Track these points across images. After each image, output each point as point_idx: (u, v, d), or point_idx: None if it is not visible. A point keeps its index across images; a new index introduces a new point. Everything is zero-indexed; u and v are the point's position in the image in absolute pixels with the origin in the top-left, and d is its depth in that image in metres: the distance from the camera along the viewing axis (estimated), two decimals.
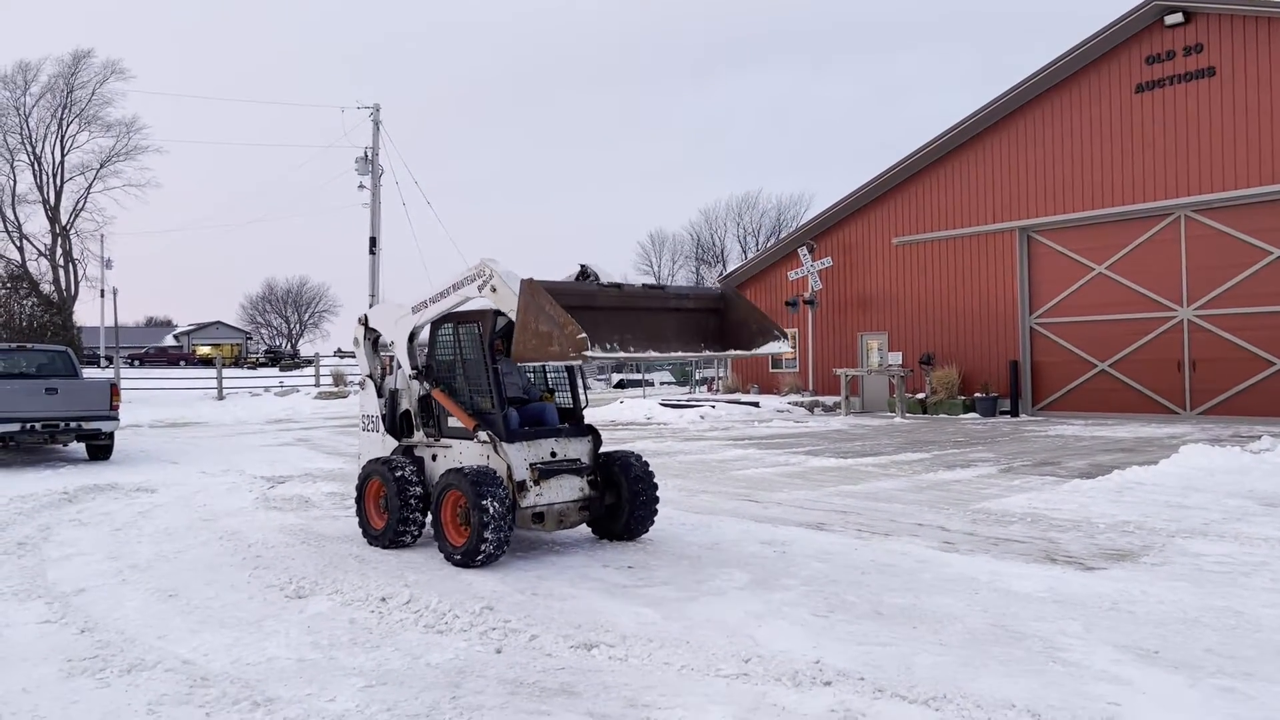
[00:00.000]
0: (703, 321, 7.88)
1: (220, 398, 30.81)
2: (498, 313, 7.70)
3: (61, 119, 47.99)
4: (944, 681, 4.69)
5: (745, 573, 7.07)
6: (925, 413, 24.51)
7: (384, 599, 6.35)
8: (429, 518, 8.10)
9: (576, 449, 8.02)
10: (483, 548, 7.09)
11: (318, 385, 34.28)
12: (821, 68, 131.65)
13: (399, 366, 8.81)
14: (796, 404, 26.26)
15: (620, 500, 8.13)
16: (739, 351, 7.74)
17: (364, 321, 9.12)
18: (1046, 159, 23.13)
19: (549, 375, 8.75)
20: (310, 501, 10.92)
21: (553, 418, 8.22)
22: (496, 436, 7.55)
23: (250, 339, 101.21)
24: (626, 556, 7.72)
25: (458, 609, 6.04)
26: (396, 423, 8.72)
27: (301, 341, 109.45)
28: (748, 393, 29.64)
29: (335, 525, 9.34)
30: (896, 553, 7.76)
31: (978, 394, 23.91)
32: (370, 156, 36.57)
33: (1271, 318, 19.56)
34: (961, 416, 23.54)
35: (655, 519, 8.39)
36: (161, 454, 16.45)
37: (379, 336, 9.17)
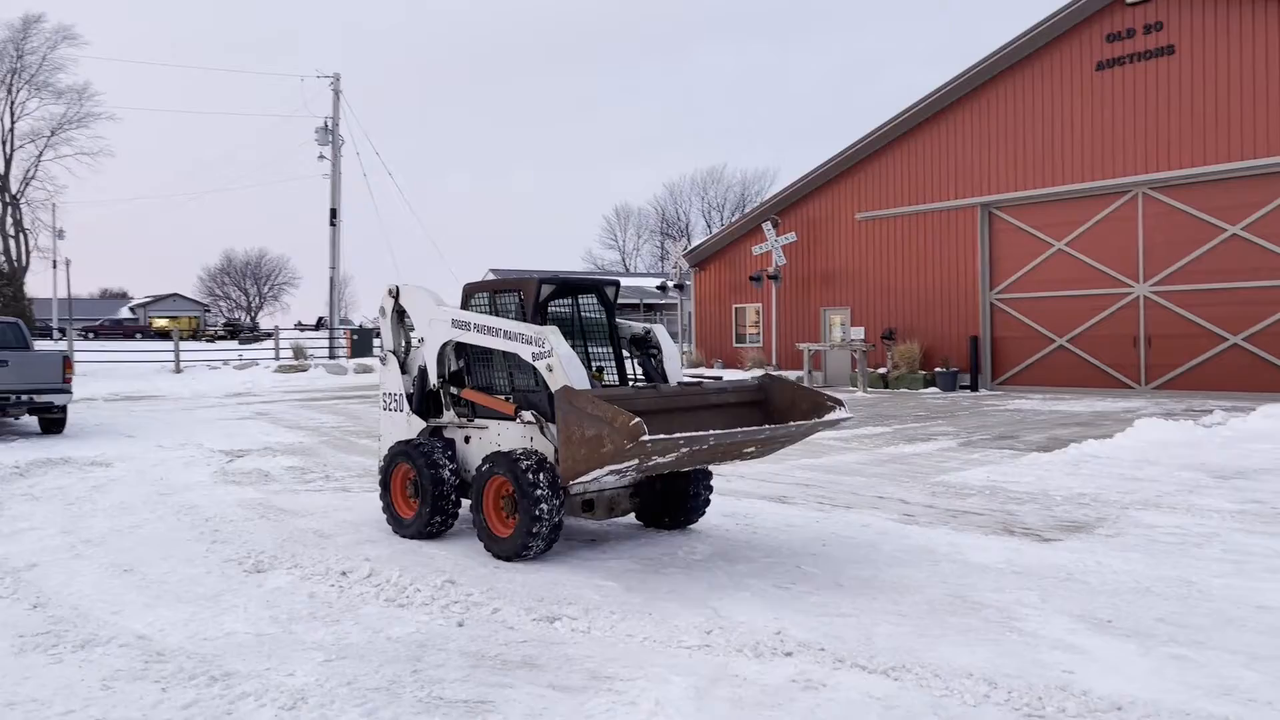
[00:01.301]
0: (745, 414, 7.28)
1: (178, 371, 30.33)
2: (542, 281, 7.30)
3: (11, 85, 46.76)
4: (903, 651, 4.74)
5: (708, 545, 7.10)
6: (886, 387, 24.71)
7: (344, 573, 6.30)
8: (464, 505, 7.53)
9: None
10: (531, 542, 6.48)
11: (278, 359, 33.85)
12: (789, 42, 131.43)
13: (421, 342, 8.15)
14: None
15: (674, 486, 7.61)
16: (802, 422, 6.83)
17: (394, 294, 8.19)
18: (1008, 136, 23.28)
19: (588, 350, 7.79)
20: (270, 476, 10.79)
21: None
22: (542, 416, 6.86)
23: (208, 311, 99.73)
24: (589, 530, 7.72)
25: (419, 583, 6.01)
26: (425, 402, 7.91)
27: (261, 314, 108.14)
28: (711, 367, 29.72)
29: (295, 500, 9.25)
30: (857, 525, 7.83)
31: (938, 369, 24.14)
32: (330, 126, 36.04)
33: (1225, 294, 19.90)
34: (922, 391, 23.77)
35: (708, 509, 7.90)
36: (117, 427, 16.18)
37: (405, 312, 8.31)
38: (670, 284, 35.59)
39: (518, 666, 4.62)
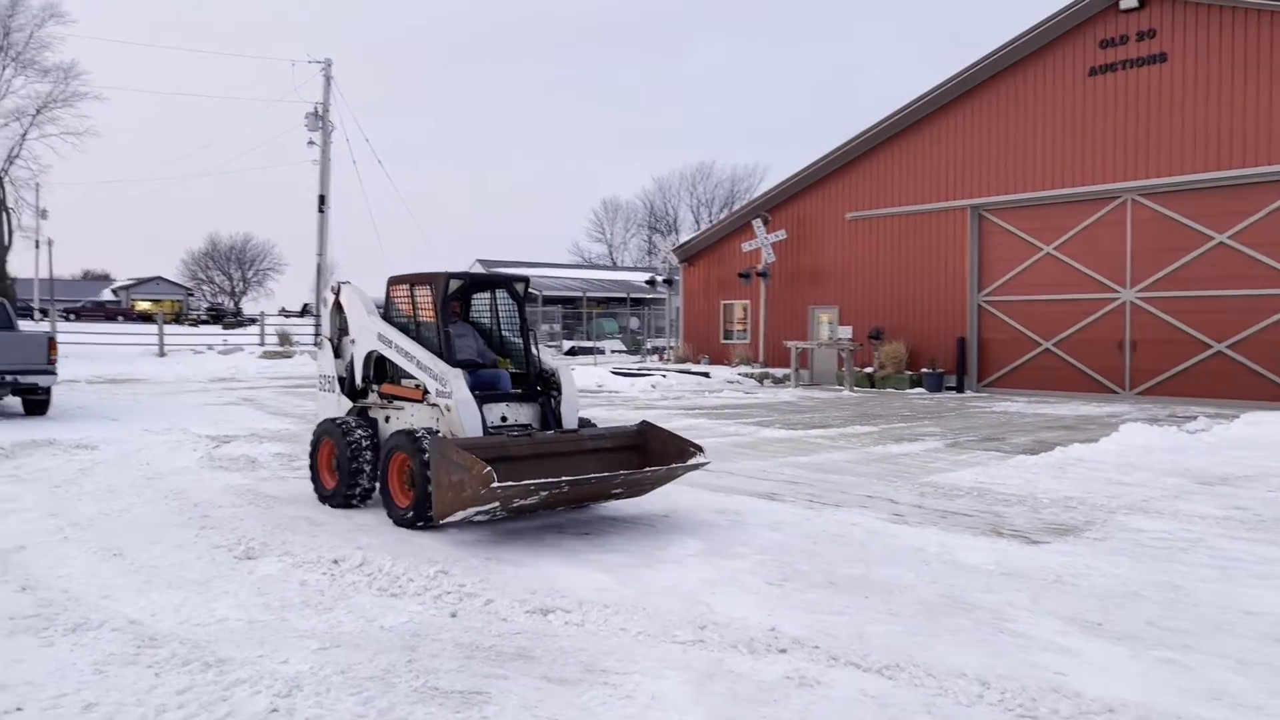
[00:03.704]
0: (623, 458, 7.89)
1: (161, 354, 30.12)
2: (450, 275, 7.99)
3: None
4: (896, 650, 4.76)
5: (700, 541, 7.11)
6: (873, 386, 24.80)
7: (336, 561, 6.28)
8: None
9: (528, 414, 8.08)
10: (426, 513, 7.06)
11: (262, 344, 33.68)
12: (781, 40, 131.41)
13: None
14: (746, 375, 26.41)
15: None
16: (658, 468, 7.58)
17: (336, 292, 9.05)
18: (1000, 139, 23.38)
19: (503, 338, 8.75)
20: (257, 462, 10.75)
21: (506, 384, 8.22)
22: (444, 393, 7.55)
23: (192, 295, 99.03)
24: (582, 524, 7.72)
25: (412, 572, 6.00)
26: (355, 384, 8.73)
27: (245, 299, 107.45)
28: (698, 363, 29.73)
29: (284, 486, 9.22)
30: (847, 524, 7.86)
31: (925, 369, 24.24)
32: (321, 112, 35.81)
33: (1210, 301, 20.06)
34: (908, 391, 23.87)
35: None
36: (101, 410, 16.07)
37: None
38: (659, 279, 35.63)
39: (512, 658, 4.62)
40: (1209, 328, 20.07)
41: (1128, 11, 20.99)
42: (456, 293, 8.42)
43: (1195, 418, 16.27)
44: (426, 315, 8.05)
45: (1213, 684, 4.38)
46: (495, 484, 6.25)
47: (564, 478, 6.85)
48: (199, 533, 7.18)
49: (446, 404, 7.46)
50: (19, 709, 3.93)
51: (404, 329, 8.24)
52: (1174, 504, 8.83)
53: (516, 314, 8.65)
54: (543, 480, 6.66)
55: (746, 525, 7.71)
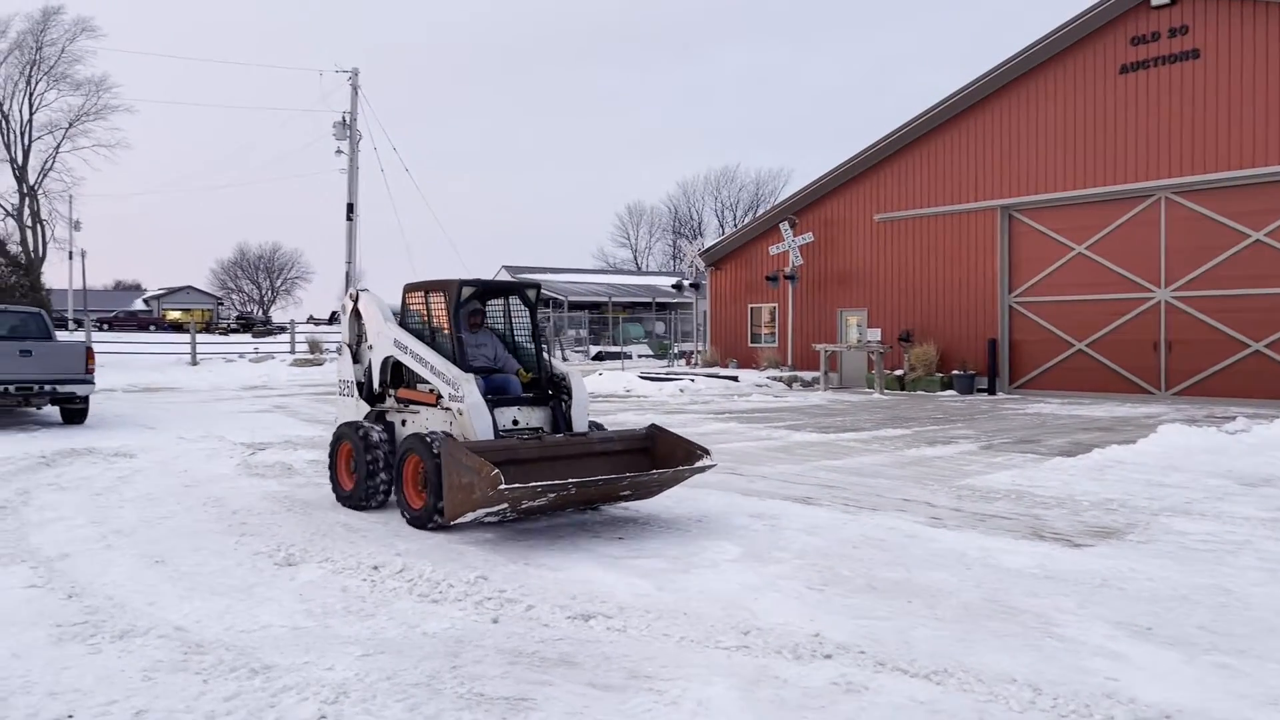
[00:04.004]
0: (631, 460, 8.03)
1: (194, 363, 30.44)
2: (463, 282, 8.27)
3: (30, 76, 46.97)
4: (943, 655, 4.71)
5: (736, 545, 7.07)
6: (903, 389, 24.64)
7: (376, 567, 6.30)
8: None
9: (539, 417, 8.23)
10: (438, 515, 7.24)
11: (293, 352, 33.96)
12: (805, 42, 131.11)
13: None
14: (775, 379, 26.33)
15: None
16: (664, 470, 7.68)
17: (354, 299, 9.33)
18: (1030, 138, 23.17)
19: (517, 343, 8.92)
20: (293, 469, 10.82)
21: (516, 388, 8.40)
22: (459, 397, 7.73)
23: (221, 304, 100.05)
24: (616, 528, 7.70)
25: (451, 578, 6.00)
26: (373, 389, 9.00)
27: (273, 308, 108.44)
28: (726, 367, 29.67)
29: (320, 493, 9.26)
30: (885, 527, 7.79)
31: (955, 371, 24.05)
32: (349, 121, 36.09)
33: (1247, 300, 19.77)
34: (939, 393, 23.68)
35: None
36: (137, 419, 16.24)
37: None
38: (686, 282, 35.60)
39: (556, 664, 4.61)
40: (1246, 327, 19.78)
41: (1159, 8, 20.75)
42: (470, 300, 8.62)
43: (1234, 418, 16.02)
44: (440, 321, 8.26)
45: (1271, 689, 4.29)
46: (503, 486, 6.43)
47: (571, 480, 6.98)
48: (239, 540, 7.22)
49: (459, 408, 7.66)
50: (70, 716, 3.95)
51: (419, 335, 8.46)
52: (1217, 506, 8.69)
53: (528, 320, 8.86)
54: (549, 482, 6.82)
55: (783, 529, 7.66)
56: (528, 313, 8.86)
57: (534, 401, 8.32)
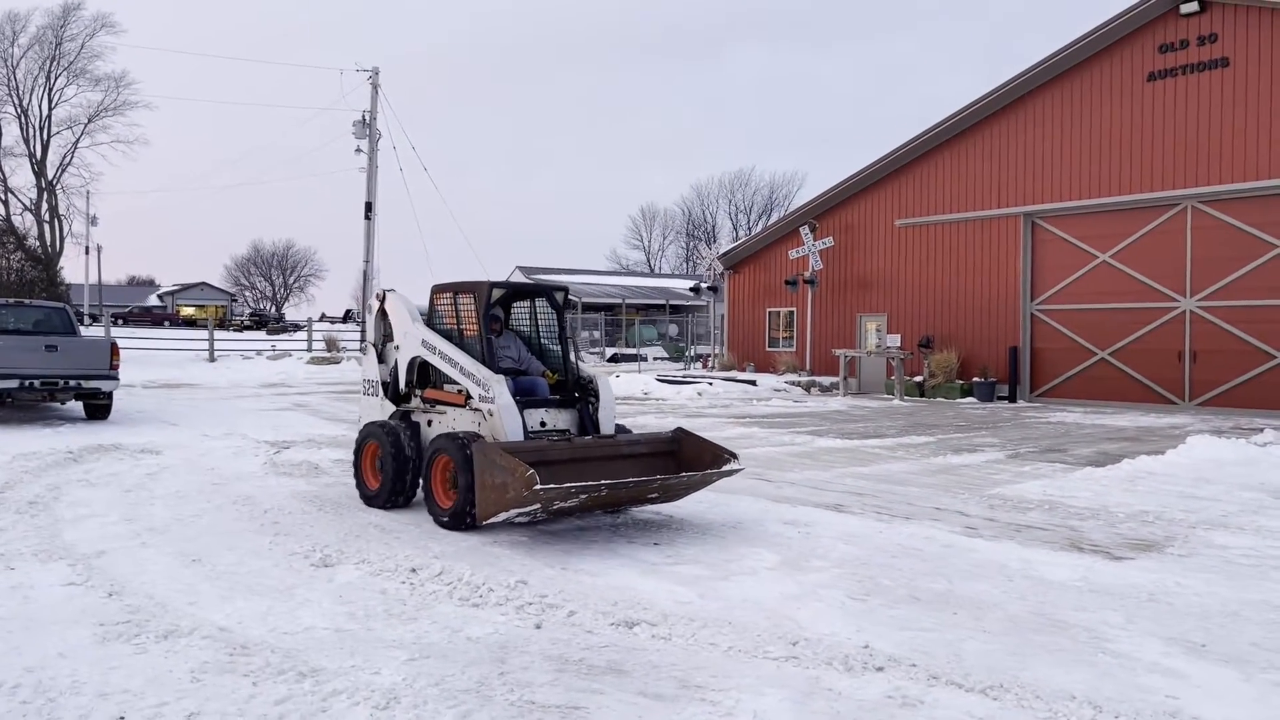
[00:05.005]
0: (658, 463, 8.05)
1: (212, 360, 30.51)
2: (493, 284, 8.30)
3: (50, 72, 47.27)
4: (996, 670, 4.64)
5: (773, 553, 7.01)
6: (923, 396, 24.52)
7: (414, 570, 6.26)
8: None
9: (566, 419, 8.22)
10: (468, 515, 7.25)
11: (310, 350, 34.02)
12: (820, 46, 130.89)
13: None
14: (794, 383, 26.23)
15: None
16: (694, 473, 7.67)
17: (381, 299, 9.33)
18: (1055, 145, 23.04)
19: (543, 346, 8.89)
20: (319, 468, 10.80)
21: (544, 389, 8.37)
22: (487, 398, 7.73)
23: (235, 301, 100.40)
24: (650, 533, 7.65)
25: (491, 582, 5.96)
26: (398, 389, 8.94)
27: (286, 305, 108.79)
28: (744, 370, 29.58)
29: (349, 492, 9.21)
30: (921, 537, 7.72)
31: (976, 378, 23.92)
32: (368, 120, 36.16)
33: (1274, 310, 19.60)
34: (960, 400, 23.55)
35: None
36: (160, 415, 16.26)
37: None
38: (704, 285, 35.52)
39: (604, 672, 4.56)
40: (1272, 337, 19.61)
41: (1188, 16, 20.61)
42: (498, 301, 8.61)
43: (1261, 430, 15.87)
44: (469, 322, 8.24)
45: None
46: (538, 486, 6.43)
47: (603, 481, 6.98)
48: (273, 539, 7.19)
49: (489, 409, 7.65)
50: (122, 717, 3.92)
51: (447, 335, 8.42)
52: (1255, 519, 8.59)
53: (556, 322, 8.83)
54: (583, 483, 6.83)
55: (818, 537, 7.60)
56: (554, 315, 8.82)
57: (561, 403, 8.30)
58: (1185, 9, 20.54)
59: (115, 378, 14.74)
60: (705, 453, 8.00)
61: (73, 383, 14.15)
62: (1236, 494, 9.94)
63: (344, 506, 8.53)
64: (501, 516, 6.89)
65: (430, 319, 8.74)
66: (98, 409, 15.07)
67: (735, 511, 8.57)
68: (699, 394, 23.34)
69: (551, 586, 5.96)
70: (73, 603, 5.49)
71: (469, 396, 7.94)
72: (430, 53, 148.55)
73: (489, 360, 7.97)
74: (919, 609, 5.68)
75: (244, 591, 5.78)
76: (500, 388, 7.65)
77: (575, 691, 4.30)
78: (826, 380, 26.66)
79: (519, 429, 7.62)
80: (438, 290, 8.70)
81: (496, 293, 8.44)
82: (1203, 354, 20.65)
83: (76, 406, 15.82)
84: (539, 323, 8.93)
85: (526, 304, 9.01)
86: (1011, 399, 23.41)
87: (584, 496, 6.90)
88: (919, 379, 24.86)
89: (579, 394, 8.44)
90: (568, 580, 6.15)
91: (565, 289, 8.95)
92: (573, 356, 8.74)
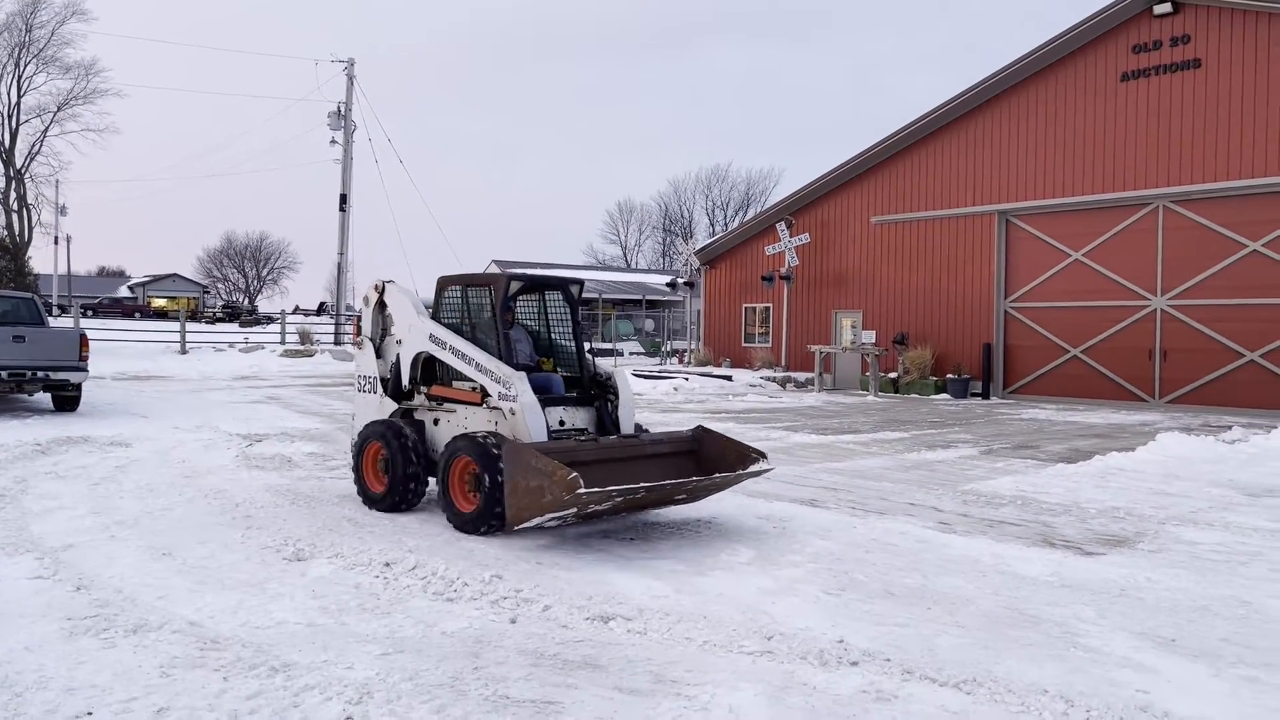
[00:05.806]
0: (680, 463, 7.84)
1: (183, 352, 30.17)
2: (511, 278, 7.84)
3: (19, 59, 46.55)
4: (969, 664, 4.66)
5: (749, 548, 7.02)
6: (897, 392, 24.66)
7: (388, 564, 6.21)
8: (430, 483, 7.97)
9: (584, 418, 7.96)
10: (493, 519, 6.95)
11: (283, 343, 33.71)
12: (797, 43, 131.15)
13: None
14: (769, 379, 26.30)
15: None
16: (728, 474, 7.54)
17: (380, 290, 8.75)
18: (1029, 144, 23.21)
19: (554, 342, 8.63)
20: (292, 461, 10.71)
21: (559, 387, 8.07)
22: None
23: (207, 293, 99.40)
24: (627, 529, 7.64)
25: (466, 576, 5.93)
26: (400, 385, 8.47)
27: (260, 298, 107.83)
28: (719, 366, 29.63)
29: (322, 486, 9.17)
30: (895, 532, 7.76)
31: (950, 375, 24.07)
32: (343, 112, 35.89)
33: (1243, 310, 19.85)
34: (933, 397, 23.70)
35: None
36: (130, 407, 16.07)
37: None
38: (680, 281, 35.55)
39: (579, 667, 4.54)
40: (1241, 336, 19.86)
41: (1162, 17, 20.80)
42: (514, 295, 8.26)
43: (1230, 427, 16.08)
44: (483, 316, 7.90)
45: None
46: (580, 490, 6.16)
47: (641, 484, 6.75)
48: (245, 533, 7.12)
49: (511, 407, 7.29)
50: (89, 713, 3.87)
51: (456, 330, 8.03)
52: (1224, 516, 8.69)
53: (568, 317, 8.50)
54: (622, 486, 6.57)
55: (794, 533, 7.61)
56: (568, 309, 8.49)
57: (578, 401, 7.99)
58: (1159, 10, 20.73)
59: (84, 369, 14.54)
60: (729, 451, 7.77)
61: (41, 374, 13.95)
62: (1205, 490, 10.06)
63: (317, 500, 8.46)
64: (535, 521, 6.55)
65: (435, 312, 8.30)
66: (66, 400, 14.87)
67: (711, 506, 8.56)
68: (675, 389, 23.35)
69: (527, 581, 5.93)
70: (40, 596, 5.41)
71: (485, 394, 7.61)
72: (410, 50, 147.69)
73: (507, 356, 7.64)
74: (893, 604, 5.71)
75: (215, 585, 5.72)
76: (523, 385, 7.30)
77: (550, 686, 4.29)
78: (802, 376, 26.75)
79: (543, 429, 7.27)
80: (446, 282, 8.31)
81: (515, 286, 8.03)
82: (1173, 352, 20.89)
83: (45, 398, 15.61)
84: (549, 318, 8.60)
85: (534, 298, 8.62)
86: (985, 396, 23.59)
87: (619, 499, 6.63)
88: (894, 375, 24.98)
89: (595, 391, 8.18)
90: (543, 575, 6.12)
91: (580, 282, 8.57)
92: (589, 353, 8.42)
